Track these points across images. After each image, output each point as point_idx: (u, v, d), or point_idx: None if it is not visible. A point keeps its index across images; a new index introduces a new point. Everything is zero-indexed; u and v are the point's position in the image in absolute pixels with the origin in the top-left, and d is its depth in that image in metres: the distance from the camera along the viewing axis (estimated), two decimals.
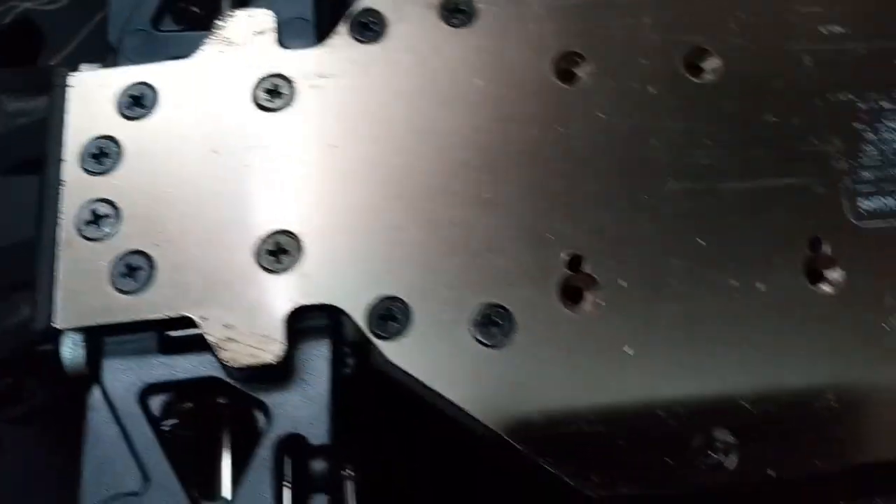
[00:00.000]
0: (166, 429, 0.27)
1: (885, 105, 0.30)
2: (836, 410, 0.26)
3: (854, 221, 0.28)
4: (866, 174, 0.29)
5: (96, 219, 0.27)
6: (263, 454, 0.25)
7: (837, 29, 0.31)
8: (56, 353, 0.26)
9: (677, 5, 0.30)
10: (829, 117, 0.29)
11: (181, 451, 0.27)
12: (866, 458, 0.27)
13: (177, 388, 0.27)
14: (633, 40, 0.29)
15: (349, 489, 0.29)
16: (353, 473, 0.29)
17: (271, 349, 0.25)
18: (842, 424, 0.26)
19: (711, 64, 0.30)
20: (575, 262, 0.27)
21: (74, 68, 0.29)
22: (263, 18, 0.28)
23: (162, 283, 0.26)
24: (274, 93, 0.28)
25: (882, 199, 0.29)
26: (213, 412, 0.28)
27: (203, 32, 0.29)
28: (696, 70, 0.30)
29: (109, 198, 0.27)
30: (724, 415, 0.26)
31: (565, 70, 0.29)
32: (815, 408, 0.26)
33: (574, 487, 0.26)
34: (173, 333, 0.27)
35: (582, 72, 0.29)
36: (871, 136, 0.30)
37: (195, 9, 0.33)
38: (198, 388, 0.27)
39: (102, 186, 0.27)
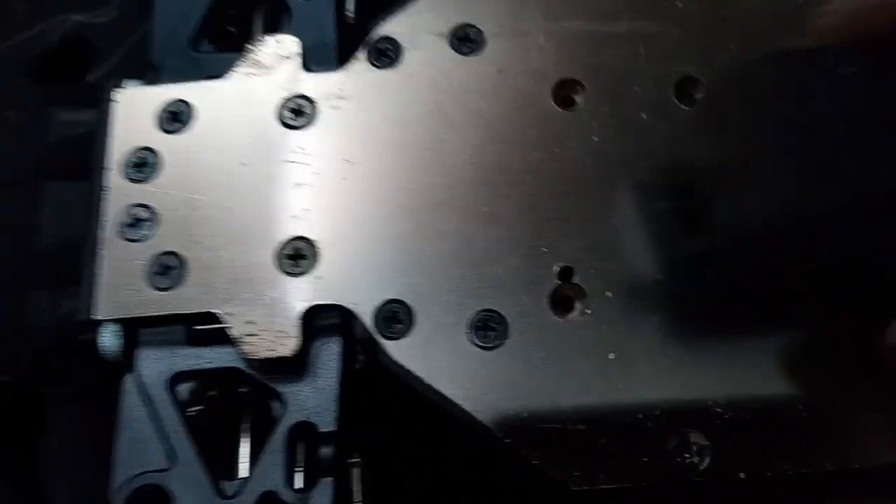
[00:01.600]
0: (192, 414, 0.30)
1: None
2: (805, 417, 0.28)
3: None
4: None
5: (135, 222, 0.30)
6: (277, 439, 0.28)
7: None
8: (96, 341, 0.29)
9: (670, 37, 0.32)
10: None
11: (205, 435, 0.30)
12: (834, 465, 0.29)
13: (202, 377, 0.30)
14: (628, 69, 0.32)
15: (355, 475, 0.32)
16: (359, 460, 0.32)
17: (287, 344, 0.28)
18: (811, 430, 0.29)
19: (702, 93, 0.32)
20: (565, 274, 0.29)
21: (118, 82, 0.32)
22: (290, 44, 0.31)
23: (192, 281, 0.29)
24: (297, 112, 0.31)
25: None
26: (234, 400, 0.31)
27: (236, 54, 0.32)
28: (688, 98, 0.32)
29: (148, 203, 0.30)
30: (699, 418, 0.29)
31: (564, 96, 0.32)
32: (785, 414, 0.28)
33: (558, 481, 0.28)
34: (200, 327, 0.30)
35: (579, 98, 0.32)
36: None
37: (231, 28, 0.36)
38: (221, 378, 0.30)
39: (142, 193, 0.30)
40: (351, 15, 0.36)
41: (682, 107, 0.32)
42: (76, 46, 0.35)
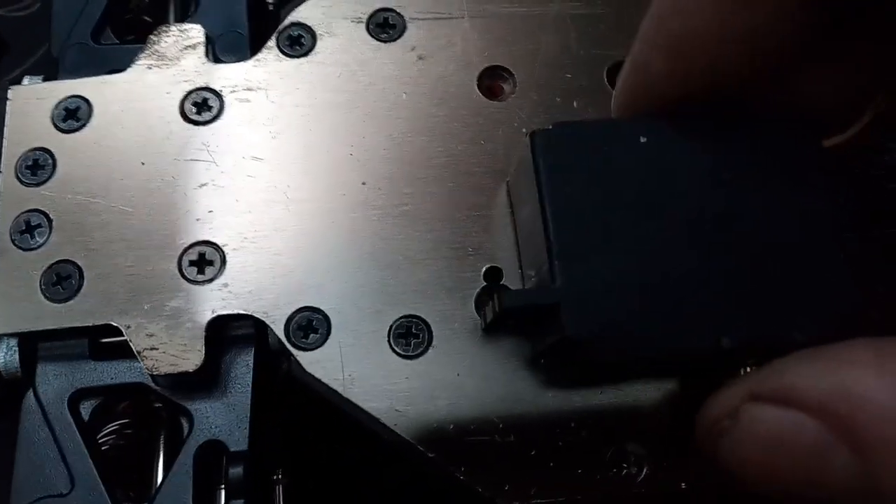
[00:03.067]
0: (102, 434, 0.28)
1: None
2: None
3: None
4: None
5: (29, 229, 0.27)
6: (184, 460, 0.26)
7: None
8: None
9: (601, 21, 0.30)
10: None
11: (114, 454, 0.28)
12: None
13: (106, 393, 0.28)
14: (559, 56, 0.30)
15: (279, 493, 0.30)
16: (281, 478, 0.30)
17: (191, 358, 0.26)
18: None
19: None
20: (493, 275, 0.27)
21: (15, 78, 0.30)
22: (194, 33, 0.29)
23: (89, 291, 0.27)
24: (202, 105, 0.29)
25: None
26: (148, 416, 0.29)
27: (139, 46, 0.30)
28: None
29: (42, 208, 0.28)
30: (636, 427, 0.27)
31: (491, 85, 0.30)
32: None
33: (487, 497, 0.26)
34: (106, 339, 0.28)
35: (507, 86, 0.30)
36: None
37: (147, 18, 0.34)
38: (127, 394, 0.28)
39: (36, 197, 0.28)
40: (271, 1, 0.34)
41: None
42: None
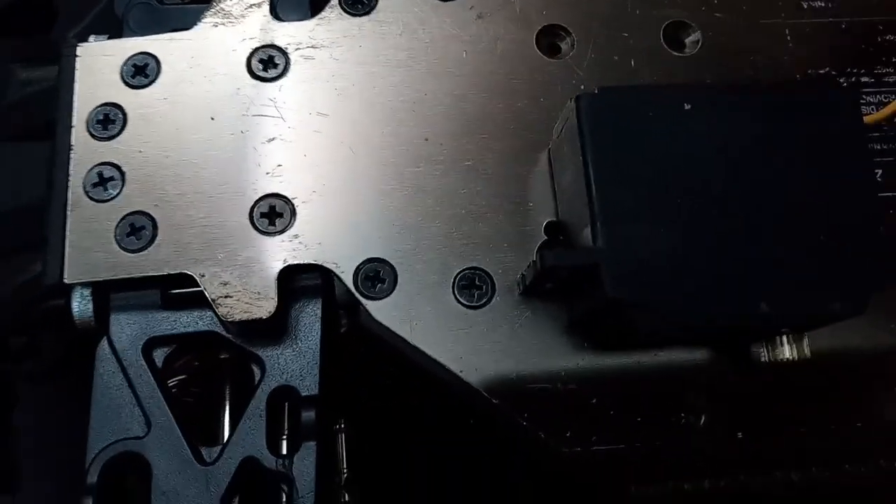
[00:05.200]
0: (173, 382, 0.29)
1: (864, 80, 0.31)
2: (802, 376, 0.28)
3: None
4: None
5: (102, 181, 0.28)
6: (257, 404, 0.27)
7: (819, 3, 0.32)
8: (66, 308, 0.28)
9: None
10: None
11: (186, 401, 0.29)
12: (836, 423, 0.28)
13: (179, 342, 0.29)
14: (616, 15, 0.30)
15: (341, 441, 0.31)
16: (344, 427, 0.31)
17: (264, 305, 0.27)
18: (809, 390, 0.28)
19: (692, 38, 0.31)
20: (553, 229, 0.28)
21: (83, 36, 0.30)
22: None
23: (163, 241, 0.28)
24: (268, 63, 0.29)
25: None
26: (215, 366, 0.30)
27: (203, 6, 0.30)
28: (678, 44, 0.31)
29: (115, 161, 0.28)
30: (695, 378, 0.28)
31: (550, 44, 0.30)
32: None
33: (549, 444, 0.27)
34: (176, 290, 0.28)
35: (565, 45, 0.30)
36: None
37: None
38: (198, 342, 0.29)
39: (108, 151, 0.28)
40: None
41: (674, 53, 0.30)
42: (37, 5, 0.33)
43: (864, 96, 0.31)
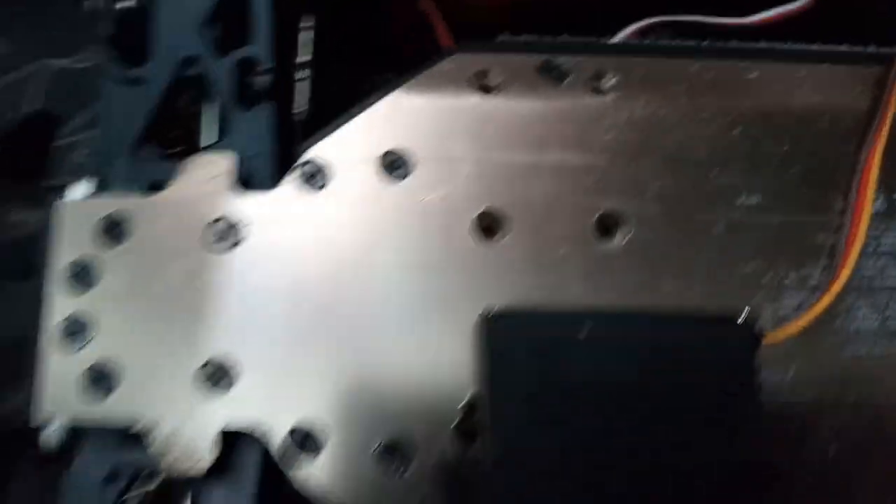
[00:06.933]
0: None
1: (788, 279, 0.32)
2: None
3: None
4: None
5: (73, 332, 0.32)
6: None
7: (754, 200, 0.33)
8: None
9: (597, 171, 0.33)
10: (731, 289, 0.32)
11: None
12: None
13: (133, 474, 0.33)
14: (552, 203, 0.32)
15: None
16: None
17: (201, 462, 0.31)
18: None
19: (624, 230, 0.33)
20: (471, 409, 0.31)
21: (62, 191, 0.34)
22: (222, 162, 0.33)
23: (123, 392, 0.31)
24: (225, 234, 0.32)
25: None
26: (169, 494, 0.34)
27: (178, 161, 0.33)
28: (608, 234, 0.33)
29: (85, 313, 0.32)
30: None
31: (486, 227, 0.33)
32: None
33: None
34: (133, 431, 0.32)
35: (502, 230, 0.33)
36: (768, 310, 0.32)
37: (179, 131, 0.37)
38: (150, 476, 0.33)
39: (81, 303, 0.32)
40: (302, 111, 0.37)
41: (602, 244, 0.32)
42: (35, 129, 0.37)
43: (787, 298, 0.32)
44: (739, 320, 0.28)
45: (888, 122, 0.33)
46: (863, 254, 0.32)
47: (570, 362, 0.27)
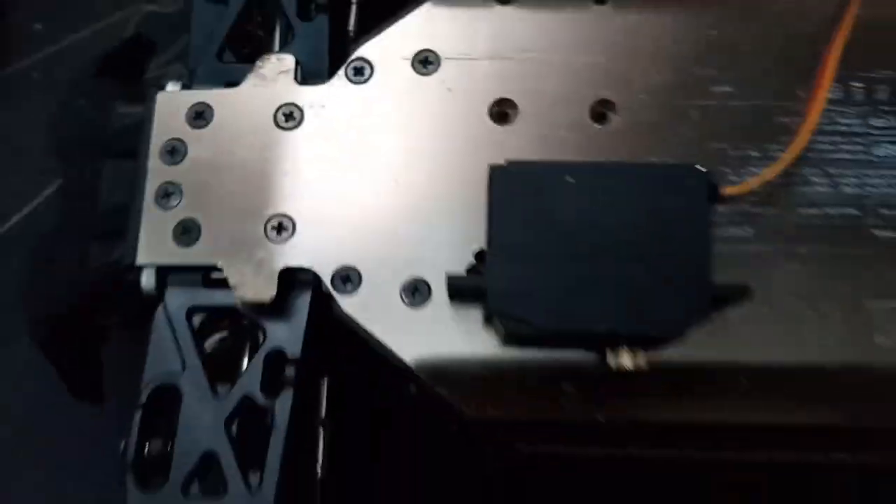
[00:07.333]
0: (210, 340, 0.41)
1: (753, 153, 0.38)
2: None
3: None
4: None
5: (167, 195, 0.40)
6: (257, 360, 0.38)
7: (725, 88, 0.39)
8: (137, 282, 0.40)
9: (594, 68, 0.39)
10: (704, 161, 0.38)
11: (215, 354, 0.41)
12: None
13: (211, 311, 0.40)
14: (555, 94, 0.39)
15: (323, 391, 0.42)
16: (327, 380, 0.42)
17: (268, 293, 0.38)
18: None
19: (615, 116, 0.39)
20: (481, 255, 0.38)
21: (162, 83, 0.42)
22: (287, 61, 0.40)
23: (205, 241, 0.39)
24: (289, 117, 0.40)
25: None
26: (238, 331, 0.42)
27: (249, 66, 0.41)
28: (602, 120, 0.39)
29: (176, 181, 0.40)
30: (569, 370, 0.36)
31: (501, 113, 0.39)
32: None
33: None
34: (214, 275, 0.40)
35: (514, 116, 0.39)
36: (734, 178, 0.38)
37: (260, 32, 0.46)
38: (225, 312, 0.40)
39: (172, 173, 0.40)
40: (352, 31, 0.45)
41: (597, 126, 0.39)
42: (135, 49, 0.45)
43: (750, 167, 0.38)
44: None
45: (850, 18, 0.38)
46: (819, 132, 0.37)
47: (560, 200, 0.34)
